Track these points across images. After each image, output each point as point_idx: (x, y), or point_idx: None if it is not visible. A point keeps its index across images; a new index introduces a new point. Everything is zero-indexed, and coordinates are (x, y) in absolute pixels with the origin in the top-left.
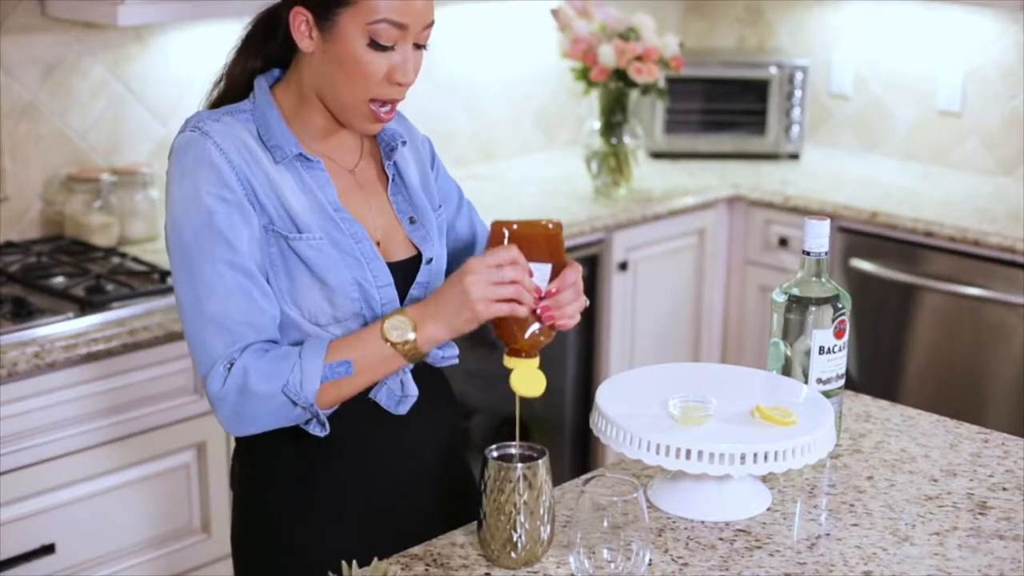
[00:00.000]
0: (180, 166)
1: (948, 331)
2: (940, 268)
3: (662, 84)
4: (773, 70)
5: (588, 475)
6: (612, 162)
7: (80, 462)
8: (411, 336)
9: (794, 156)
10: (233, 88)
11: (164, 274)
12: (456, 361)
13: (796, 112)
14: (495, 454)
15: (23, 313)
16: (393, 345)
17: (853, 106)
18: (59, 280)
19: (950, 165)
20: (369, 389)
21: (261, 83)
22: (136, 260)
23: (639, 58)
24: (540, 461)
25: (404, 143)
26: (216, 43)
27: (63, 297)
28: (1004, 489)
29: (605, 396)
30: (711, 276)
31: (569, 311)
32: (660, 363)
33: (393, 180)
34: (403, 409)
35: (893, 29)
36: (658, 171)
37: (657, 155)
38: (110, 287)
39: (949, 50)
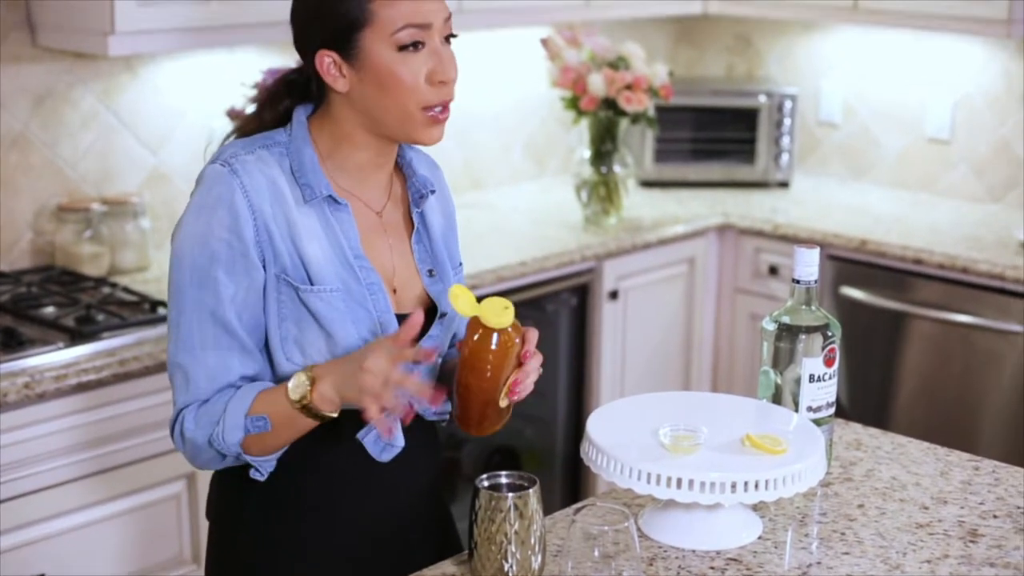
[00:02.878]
0: (201, 199)
1: (938, 358)
2: (930, 295)
3: (652, 113)
4: (762, 99)
5: (579, 504)
6: (602, 191)
7: (70, 492)
8: (304, 395)
9: (783, 184)
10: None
11: (155, 304)
12: (447, 418)
13: (785, 140)
14: (486, 484)
15: (13, 343)
16: (293, 403)
17: (842, 134)
18: (49, 310)
19: (939, 193)
20: (357, 429)
21: (300, 115)
22: (126, 290)
23: (629, 87)
24: (531, 490)
25: (433, 192)
26: (207, 73)
27: (53, 327)
28: (995, 517)
29: (596, 425)
30: (701, 305)
31: (529, 383)
32: (651, 392)
33: (418, 229)
34: (386, 457)
35: (882, 57)
36: (648, 200)
37: (647, 184)
38: (100, 317)
39: (938, 78)
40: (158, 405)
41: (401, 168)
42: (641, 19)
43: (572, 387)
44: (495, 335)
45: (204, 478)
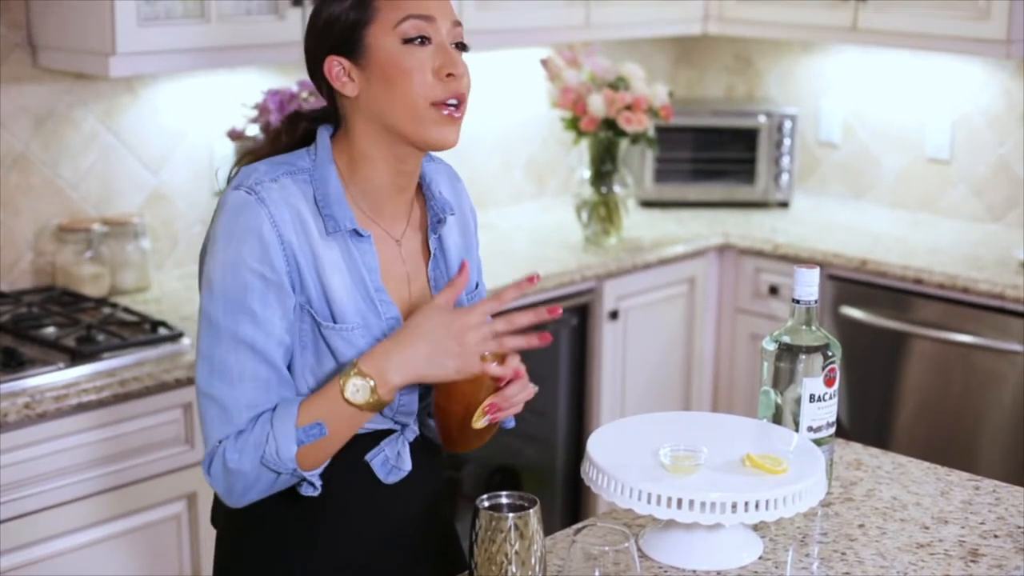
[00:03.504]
0: (229, 228)
1: (938, 378)
2: (930, 315)
3: (652, 133)
4: (762, 119)
5: (579, 524)
6: (602, 211)
7: (71, 513)
8: (370, 396)
9: (783, 204)
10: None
11: (155, 324)
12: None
13: (785, 160)
14: (486, 504)
15: (13, 363)
16: (357, 407)
17: (842, 154)
18: (50, 330)
19: (939, 212)
20: (365, 451)
21: (324, 138)
22: (127, 310)
23: (628, 107)
24: (531, 511)
25: (452, 213)
26: (207, 94)
27: (54, 347)
28: (996, 536)
29: (596, 445)
30: (701, 324)
31: (517, 401)
32: (651, 412)
33: (434, 255)
34: (392, 479)
35: (881, 77)
36: (648, 220)
37: (647, 204)
38: (101, 337)
39: (937, 98)
40: (158, 425)
41: (421, 190)
42: (641, 39)
43: (572, 407)
44: None
45: (205, 498)
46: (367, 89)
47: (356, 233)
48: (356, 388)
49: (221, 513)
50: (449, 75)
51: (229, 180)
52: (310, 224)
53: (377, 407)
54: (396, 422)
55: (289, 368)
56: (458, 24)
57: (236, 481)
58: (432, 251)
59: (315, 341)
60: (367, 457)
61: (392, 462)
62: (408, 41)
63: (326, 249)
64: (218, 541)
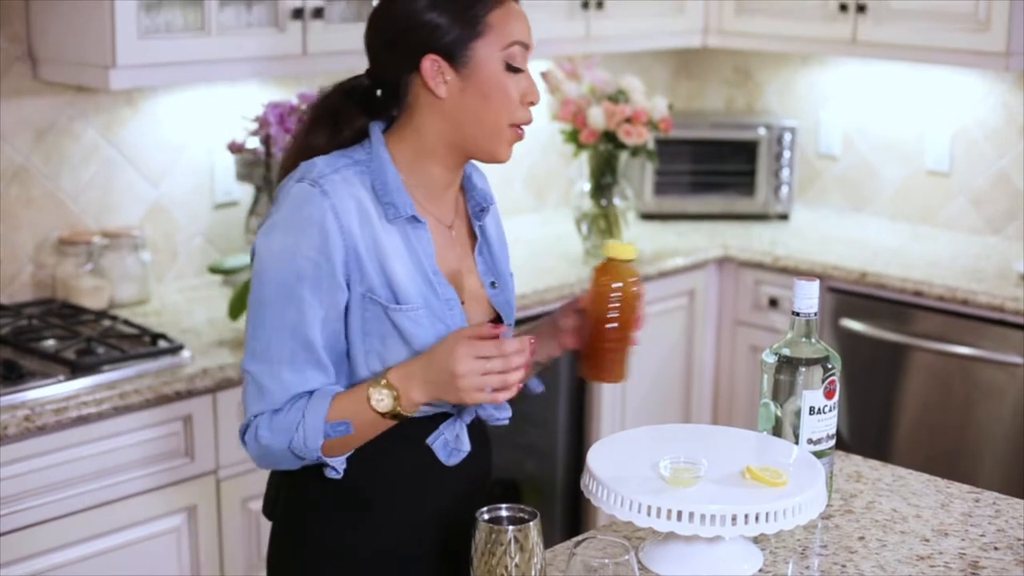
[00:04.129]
0: (290, 217)
1: (938, 390)
2: (930, 327)
3: (651, 146)
4: (762, 131)
5: (579, 537)
6: (602, 223)
7: (71, 525)
8: (393, 407)
9: (783, 216)
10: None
11: (155, 337)
12: (507, 422)
13: (785, 173)
14: (486, 517)
15: (13, 376)
16: (380, 415)
17: (841, 166)
18: (50, 343)
19: (938, 225)
20: (425, 435)
21: (377, 133)
22: (127, 323)
23: (628, 120)
24: (531, 523)
25: (493, 203)
26: (207, 107)
27: (54, 360)
28: (996, 549)
29: (596, 458)
30: (701, 337)
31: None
32: (651, 424)
33: (480, 242)
34: (453, 461)
35: (880, 90)
36: (648, 232)
37: (647, 216)
38: (101, 350)
39: (936, 111)
40: (158, 438)
41: (462, 183)
42: (641, 52)
43: (572, 419)
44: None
45: (204, 511)
46: (458, 97)
47: (414, 219)
48: (380, 398)
49: (279, 500)
50: (531, 102)
51: (283, 173)
52: (371, 213)
53: (399, 418)
54: (452, 404)
55: (348, 355)
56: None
57: (265, 455)
58: (478, 238)
59: (380, 327)
60: (428, 440)
61: (452, 444)
62: (511, 67)
63: (387, 235)
64: (273, 531)
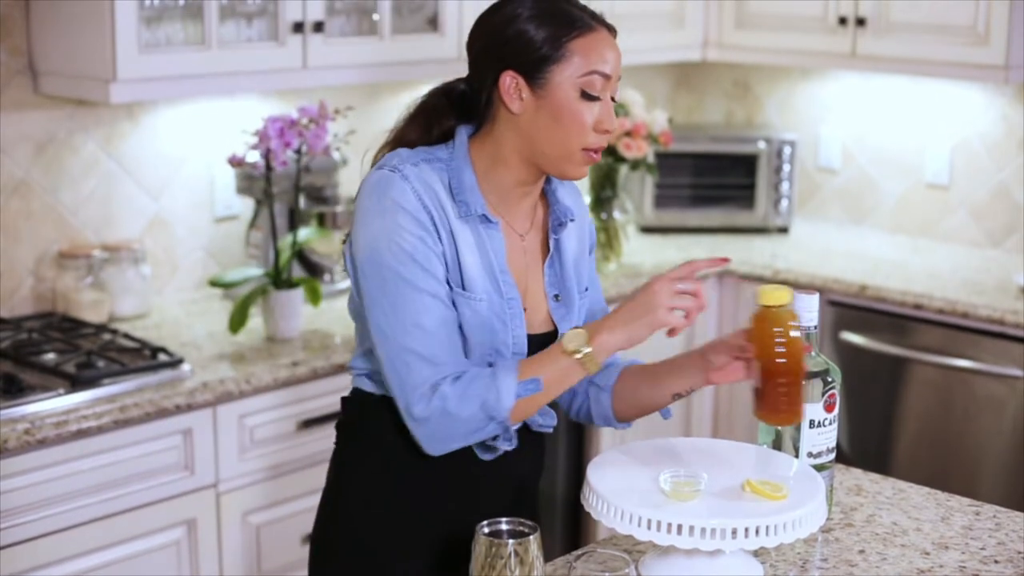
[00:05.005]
0: (380, 203)
1: (938, 403)
2: (930, 340)
3: (651, 159)
4: (761, 144)
5: (579, 551)
6: (602, 237)
7: (71, 539)
8: (583, 343)
9: (783, 230)
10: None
11: (155, 350)
12: (551, 430)
13: (785, 186)
14: (486, 530)
15: (13, 390)
16: (571, 355)
17: (841, 180)
18: (50, 356)
19: (938, 238)
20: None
21: (462, 135)
22: (127, 336)
23: (628, 134)
24: (531, 537)
25: (572, 220)
26: (207, 121)
27: (54, 373)
28: (996, 562)
29: (596, 471)
30: None
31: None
32: (651, 438)
33: (552, 254)
34: (488, 456)
35: (880, 103)
36: (648, 245)
37: (647, 229)
38: (101, 363)
39: (936, 124)
40: (158, 452)
41: (546, 195)
42: (640, 66)
43: (572, 433)
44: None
45: (204, 524)
46: (532, 115)
47: (486, 219)
48: (572, 337)
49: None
50: (605, 130)
51: (374, 164)
52: (447, 205)
53: (589, 364)
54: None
55: None
56: (619, 79)
57: (449, 425)
58: (550, 250)
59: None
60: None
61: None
62: (584, 95)
63: (460, 229)
64: (322, 502)
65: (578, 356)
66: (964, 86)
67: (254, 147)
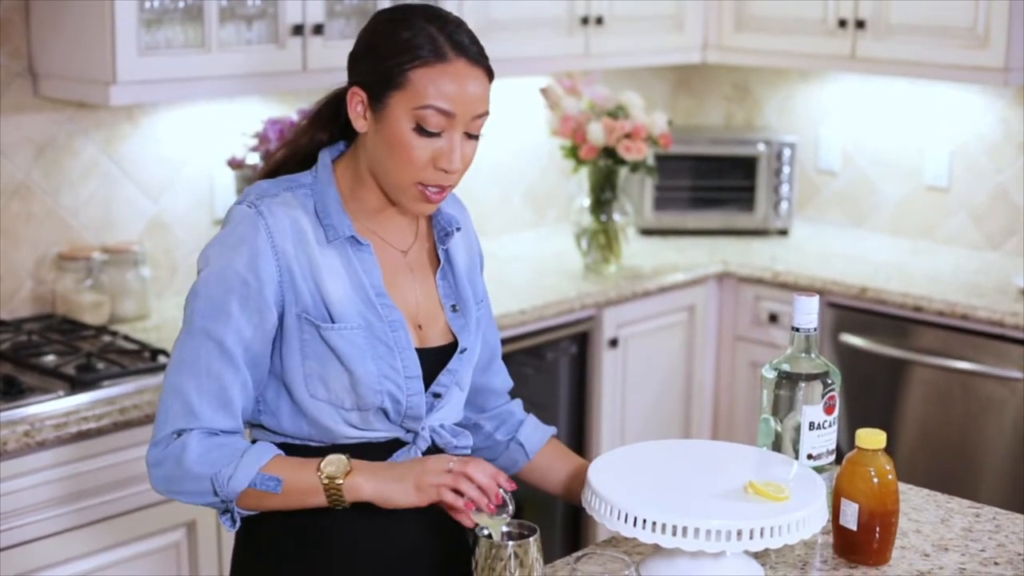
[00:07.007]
0: (225, 237)
1: (938, 405)
2: (929, 342)
3: (651, 161)
4: (761, 147)
5: (579, 553)
6: (602, 239)
7: (71, 541)
8: (339, 480)
9: (783, 232)
10: (294, 156)
11: (155, 352)
12: (468, 452)
13: (784, 188)
14: (486, 532)
15: (13, 392)
16: (320, 479)
17: (841, 182)
18: (50, 358)
19: (938, 240)
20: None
21: (325, 158)
22: (127, 338)
23: (628, 136)
24: (531, 539)
25: (459, 230)
26: (207, 123)
27: (53, 375)
28: (996, 564)
29: (597, 473)
30: (701, 352)
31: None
32: (651, 439)
33: (443, 266)
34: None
35: (880, 106)
36: (647, 248)
37: (646, 232)
38: (101, 365)
39: (935, 126)
40: None
41: None
42: (640, 68)
43: (573, 435)
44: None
45: (204, 526)
46: (372, 137)
47: (355, 241)
48: (331, 461)
49: (239, 531)
50: (443, 168)
51: (260, 177)
52: (308, 234)
53: (334, 495)
54: (405, 429)
55: (285, 381)
56: (483, 115)
57: (180, 477)
58: (440, 261)
59: (318, 348)
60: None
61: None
62: (419, 129)
63: (325, 257)
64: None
65: (326, 483)
66: (964, 88)
67: (254, 149)
